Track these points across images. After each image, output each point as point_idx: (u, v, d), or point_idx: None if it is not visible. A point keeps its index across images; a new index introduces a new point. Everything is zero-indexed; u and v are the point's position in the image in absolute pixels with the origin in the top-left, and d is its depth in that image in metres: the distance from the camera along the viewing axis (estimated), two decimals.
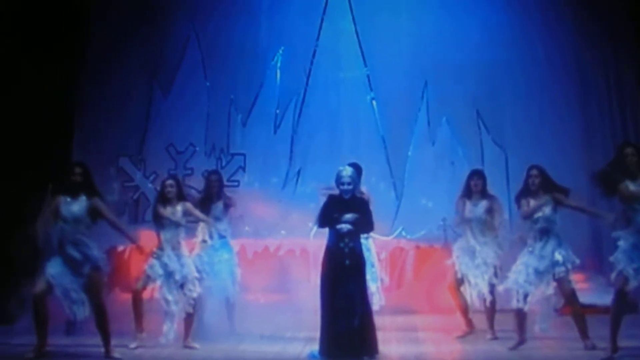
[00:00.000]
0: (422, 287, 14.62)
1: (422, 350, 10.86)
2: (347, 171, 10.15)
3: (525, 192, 10.78)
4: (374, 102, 15.89)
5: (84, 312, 10.02)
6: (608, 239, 12.63)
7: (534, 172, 10.80)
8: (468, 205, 11.71)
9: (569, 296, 10.58)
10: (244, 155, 15.71)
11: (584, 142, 15.60)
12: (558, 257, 10.49)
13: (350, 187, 10.06)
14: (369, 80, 15.96)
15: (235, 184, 15.51)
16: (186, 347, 10.81)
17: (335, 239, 9.99)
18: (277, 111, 15.95)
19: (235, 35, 15.94)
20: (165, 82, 16.07)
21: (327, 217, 10.09)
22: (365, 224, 10.14)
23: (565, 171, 15.00)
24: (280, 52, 16.11)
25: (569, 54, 15.74)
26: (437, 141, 15.72)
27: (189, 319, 10.92)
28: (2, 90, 13.83)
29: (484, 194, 11.77)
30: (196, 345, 10.85)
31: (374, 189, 13.39)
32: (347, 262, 9.94)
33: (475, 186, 11.77)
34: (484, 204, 11.68)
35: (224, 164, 15.63)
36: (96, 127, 15.62)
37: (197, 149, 15.76)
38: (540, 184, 10.72)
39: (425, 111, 15.79)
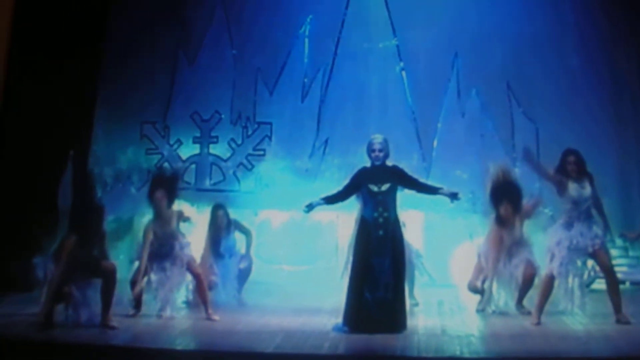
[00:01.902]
0: (449, 260, 14.55)
1: (447, 323, 10.75)
2: (379, 138, 10.21)
3: (563, 173, 10.57)
4: (403, 73, 15.70)
5: None
6: None
7: (572, 158, 10.63)
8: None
9: (608, 268, 10.45)
10: (270, 124, 15.55)
11: (615, 114, 15.40)
12: (597, 230, 10.36)
13: (382, 153, 10.11)
14: (398, 51, 15.76)
15: (262, 152, 15.45)
16: (208, 319, 10.73)
17: (370, 209, 10.00)
18: (305, 80, 15.77)
19: (263, 3, 15.83)
20: (191, 50, 15.94)
21: (354, 186, 10.14)
22: (418, 187, 10.29)
23: (595, 145, 14.96)
24: (309, 20, 15.95)
25: (601, 26, 15.51)
26: (466, 113, 15.52)
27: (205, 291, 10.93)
28: (24, 57, 13.72)
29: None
30: (216, 317, 10.77)
31: (403, 160, 13.29)
32: (381, 232, 9.94)
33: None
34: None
35: (250, 132, 15.53)
36: (120, 94, 15.58)
37: (223, 117, 15.62)
38: (579, 170, 10.59)
39: (455, 82, 15.57)
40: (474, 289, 11.81)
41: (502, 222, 11.57)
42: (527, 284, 11.43)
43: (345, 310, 9.99)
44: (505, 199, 11.57)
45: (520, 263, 11.45)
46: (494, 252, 11.49)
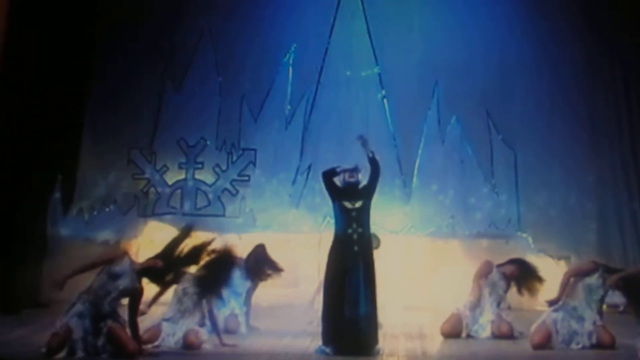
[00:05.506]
0: (429, 284, 14.72)
1: (427, 346, 10.92)
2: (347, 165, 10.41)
3: None
4: (385, 101, 15.89)
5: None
6: None
7: None
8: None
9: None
10: (254, 150, 15.68)
11: (592, 142, 15.63)
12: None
13: (356, 172, 10.35)
14: (380, 79, 15.96)
15: (246, 178, 15.58)
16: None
17: (344, 225, 10.10)
18: (289, 107, 15.97)
19: (248, 32, 15.95)
20: (177, 77, 16.07)
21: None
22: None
23: (573, 171, 15.20)
24: (293, 49, 16.13)
25: (579, 56, 15.77)
26: (447, 140, 15.71)
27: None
28: (12, 80, 13.82)
29: None
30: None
31: (384, 186, 13.49)
32: (356, 248, 10.03)
33: None
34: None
35: (234, 158, 15.67)
36: (107, 119, 15.68)
37: (208, 143, 15.73)
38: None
39: (435, 110, 15.78)
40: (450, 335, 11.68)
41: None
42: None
43: (325, 330, 10.05)
44: None
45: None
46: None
